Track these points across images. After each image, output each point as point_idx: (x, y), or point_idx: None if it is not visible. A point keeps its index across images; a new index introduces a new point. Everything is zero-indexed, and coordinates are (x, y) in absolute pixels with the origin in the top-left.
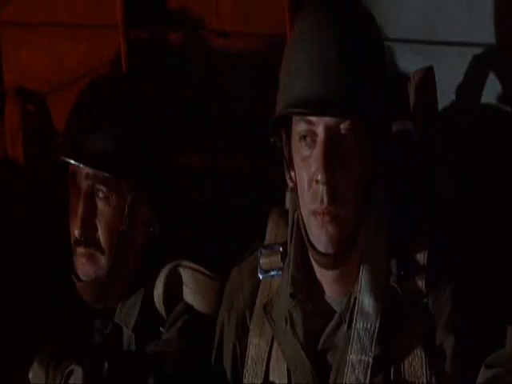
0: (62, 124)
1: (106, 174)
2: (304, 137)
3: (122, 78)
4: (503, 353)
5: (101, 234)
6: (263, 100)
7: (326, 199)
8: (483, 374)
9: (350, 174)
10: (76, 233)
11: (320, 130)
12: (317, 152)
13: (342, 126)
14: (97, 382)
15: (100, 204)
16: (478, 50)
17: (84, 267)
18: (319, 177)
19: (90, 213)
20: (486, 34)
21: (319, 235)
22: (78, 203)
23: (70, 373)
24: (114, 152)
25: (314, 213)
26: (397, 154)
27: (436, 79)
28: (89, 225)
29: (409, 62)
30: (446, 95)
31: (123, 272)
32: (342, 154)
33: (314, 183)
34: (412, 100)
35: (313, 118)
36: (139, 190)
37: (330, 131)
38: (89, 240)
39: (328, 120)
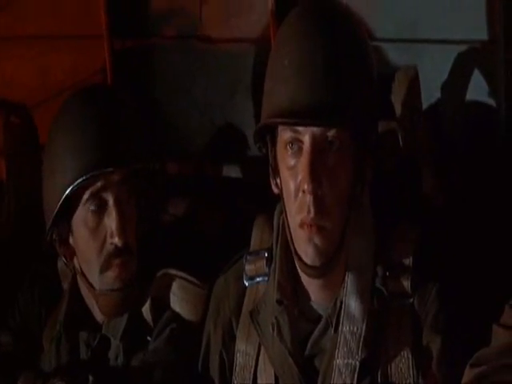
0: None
1: None
2: (290, 144)
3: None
4: (487, 351)
5: (131, 239)
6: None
7: (312, 209)
8: (468, 373)
9: (337, 182)
10: (118, 242)
11: (306, 139)
12: (303, 161)
13: (329, 134)
14: None
15: (127, 208)
16: (462, 48)
17: (121, 275)
18: (306, 186)
19: (124, 220)
20: (470, 30)
21: (306, 248)
22: (108, 215)
23: None
24: None
25: (302, 224)
26: (382, 156)
27: (420, 78)
28: (125, 232)
29: (393, 60)
30: (430, 93)
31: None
32: (328, 163)
33: (300, 193)
34: (396, 99)
35: (299, 127)
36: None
37: (317, 140)
38: (125, 247)
39: (314, 129)
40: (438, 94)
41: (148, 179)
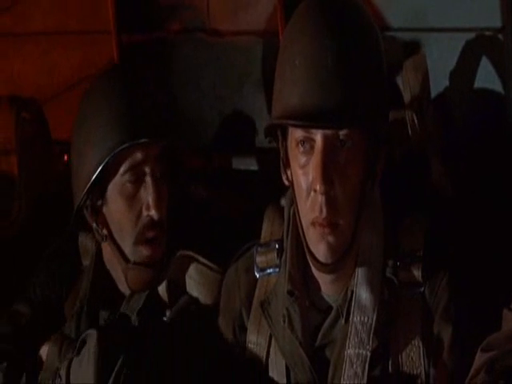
0: (57, 132)
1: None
2: (302, 142)
3: None
4: (498, 336)
5: (164, 214)
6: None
7: (325, 209)
8: (479, 358)
9: (349, 180)
10: (154, 215)
11: (318, 139)
12: (315, 161)
13: (341, 133)
14: (111, 343)
15: (160, 184)
16: (470, 36)
17: (153, 252)
18: (318, 187)
19: (161, 194)
20: (478, 18)
21: (319, 246)
22: (145, 188)
23: (84, 342)
24: None
25: (314, 223)
26: (391, 146)
27: (428, 66)
28: (161, 207)
29: (401, 49)
30: (438, 82)
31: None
32: (340, 161)
33: (312, 192)
34: (405, 88)
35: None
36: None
37: (328, 139)
38: (159, 221)
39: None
40: (446, 82)
41: (177, 160)
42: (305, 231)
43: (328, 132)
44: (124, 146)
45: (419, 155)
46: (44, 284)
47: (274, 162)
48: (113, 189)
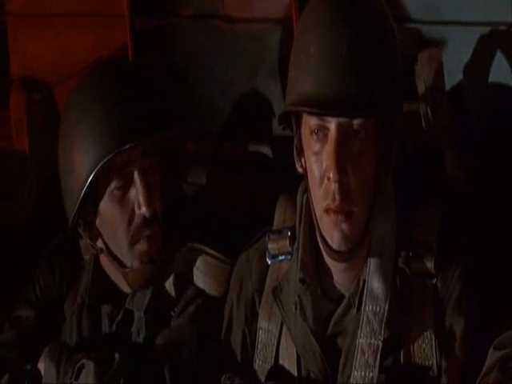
0: None
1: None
2: (316, 130)
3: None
4: (511, 333)
5: (157, 208)
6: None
7: (338, 197)
8: (492, 355)
9: (362, 169)
10: (146, 212)
11: (332, 127)
12: (328, 149)
13: (355, 122)
14: (108, 374)
15: (150, 177)
16: (485, 30)
17: (150, 248)
18: (331, 174)
19: (150, 190)
20: (493, 13)
21: (332, 233)
22: (134, 186)
23: (82, 367)
24: None
25: (327, 210)
26: (406, 137)
27: (443, 59)
28: (152, 202)
29: (416, 42)
30: (453, 75)
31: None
32: (353, 150)
33: (325, 180)
34: (419, 80)
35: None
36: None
37: (343, 128)
38: (153, 217)
39: (341, 118)
40: (460, 76)
41: (170, 151)
42: (318, 219)
43: (342, 121)
44: (108, 157)
45: (433, 148)
46: (44, 282)
47: (287, 149)
48: (104, 200)
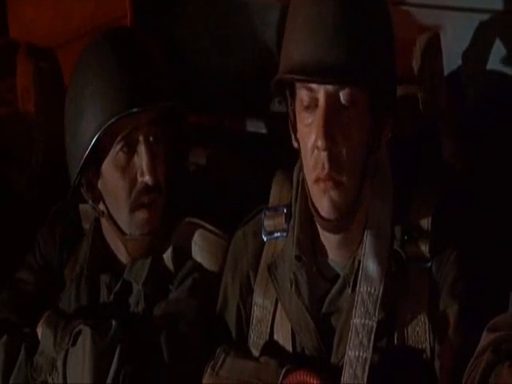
0: (68, 78)
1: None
2: (307, 102)
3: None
4: (505, 317)
5: (160, 177)
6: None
7: (327, 165)
8: (485, 338)
9: (352, 142)
10: (149, 180)
11: (321, 96)
12: (317, 118)
13: (342, 93)
14: (105, 340)
15: (155, 148)
16: (485, 16)
17: (150, 216)
18: (319, 143)
19: (154, 159)
20: (492, 0)
21: (322, 201)
22: (138, 154)
23: (78, 333)
24: None
25: (317, 180)
26: (403, 120)
27: (442, 45)
28: (155, 171)
29: (415, 25)
30: (451, 61)
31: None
32: (343, 122)
33: (315, 150)
34: (417, 63)
35: (313, 85)
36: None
37: (331, 98)
38: (155, 185)
39: (328, 87)
40: (459, 62)
41: (174, 124)
42: (310, 189)
43: (330, 91)
44: (109, 123)
45: (431, 131)
46: (45, 249)
47: (286, 125)
48: (107, 162)
